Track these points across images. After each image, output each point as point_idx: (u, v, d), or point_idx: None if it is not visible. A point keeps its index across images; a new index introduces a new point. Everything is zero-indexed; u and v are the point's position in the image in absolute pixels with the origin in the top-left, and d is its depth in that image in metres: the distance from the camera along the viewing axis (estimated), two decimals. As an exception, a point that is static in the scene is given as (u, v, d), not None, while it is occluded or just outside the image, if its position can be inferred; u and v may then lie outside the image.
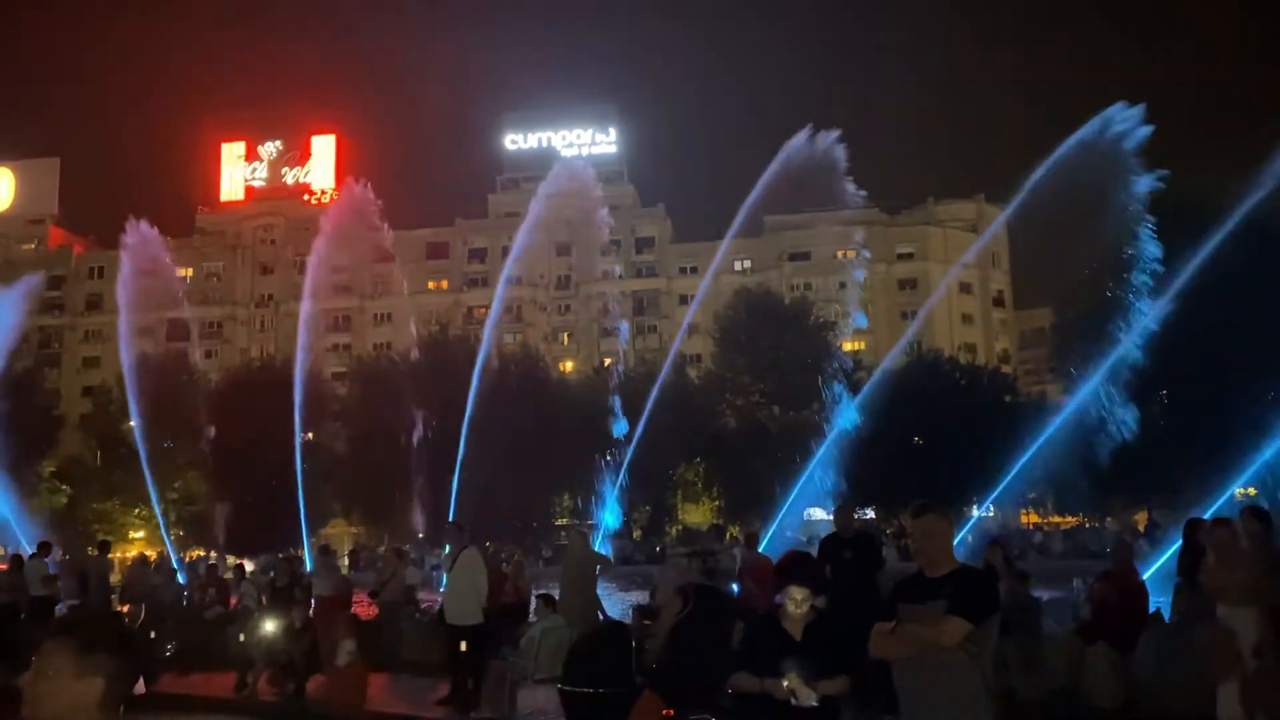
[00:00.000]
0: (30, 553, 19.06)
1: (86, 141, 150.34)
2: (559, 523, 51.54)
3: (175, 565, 24.51)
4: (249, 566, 26.38)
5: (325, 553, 18.76)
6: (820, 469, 35.71)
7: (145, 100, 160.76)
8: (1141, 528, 40.47)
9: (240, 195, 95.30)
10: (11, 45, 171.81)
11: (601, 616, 13.18)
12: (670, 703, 7.15)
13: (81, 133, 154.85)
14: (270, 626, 13.38)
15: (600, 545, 26.87)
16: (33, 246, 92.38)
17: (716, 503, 51.78)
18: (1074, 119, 25.12)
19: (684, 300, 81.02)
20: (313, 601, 15.63)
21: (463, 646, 11.97)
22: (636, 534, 48.86)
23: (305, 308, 46.03)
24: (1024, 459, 28.30)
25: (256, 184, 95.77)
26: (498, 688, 11.54)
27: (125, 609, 17.84)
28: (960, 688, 4.88)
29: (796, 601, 5.53)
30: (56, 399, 68.48)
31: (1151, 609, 11.24)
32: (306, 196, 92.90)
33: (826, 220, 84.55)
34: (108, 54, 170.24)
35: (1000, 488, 30.84)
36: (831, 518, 15.17)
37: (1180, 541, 11.58)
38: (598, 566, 14.46)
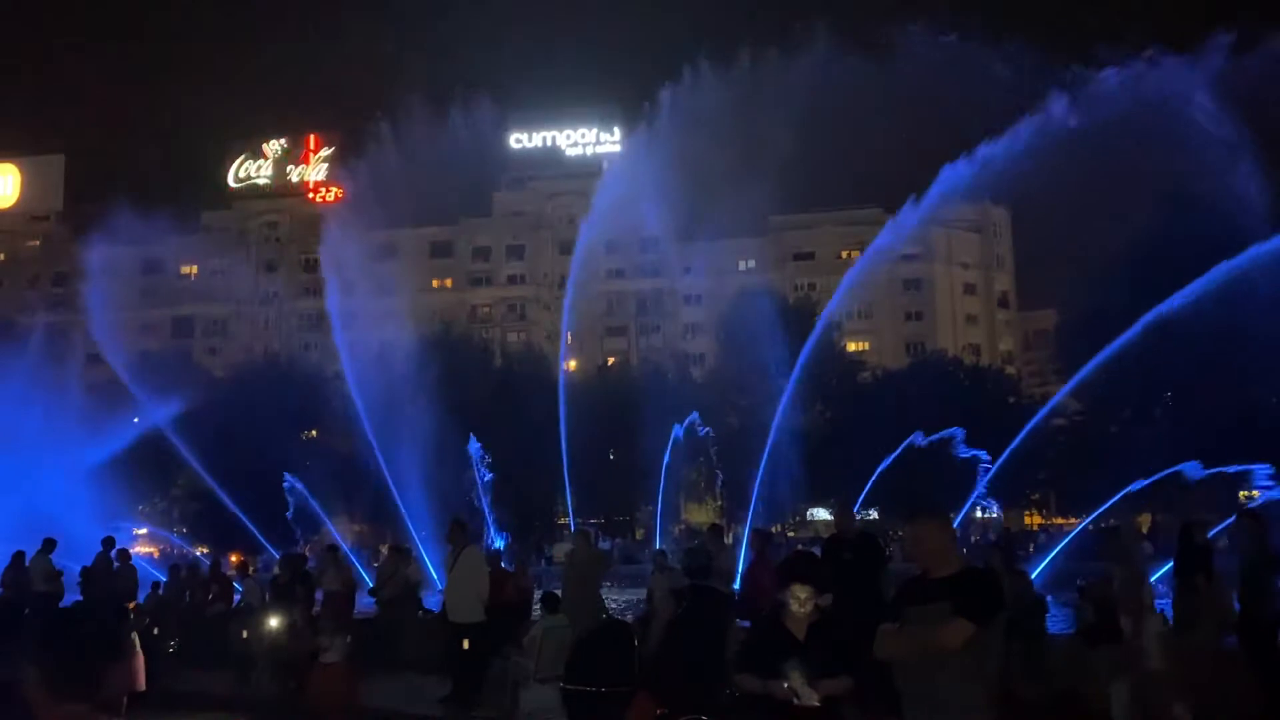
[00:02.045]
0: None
1: (92, 138, 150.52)
2: (560, 521, 51.47)
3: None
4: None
5: (333, 550, 18.90)
6: (821, 470, 35.70)
7: (150, 98, 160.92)
8: (1145, 529, 40.40)
9: (245, 193, 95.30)
10: (14, 44, 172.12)
11: (604, 615, 13.18)
12: (664, 702, 7.14)
13: (87, 130, 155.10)
14: (273, 624, 13.38)
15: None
16: (37, 243, 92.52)
17: (719, 503, 51.70)
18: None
19: (688, 300, 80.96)
20: (319, 597, 15.67)
21: (465, 644, 11.98)
22: (639, 534, 48.84)
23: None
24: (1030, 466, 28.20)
25: (261, 181, 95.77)
26: (499, 686, 11.55)
27: (132, 605, 17.83)
28: (963, 689, 4.88)
29: (800, 600, 5.52)
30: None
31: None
32: (311, 194, 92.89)
33: (831, 220, 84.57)
34: (112, 52, 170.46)
35: (1004, 492, 30.77)
36: (832, 518, 15.19)
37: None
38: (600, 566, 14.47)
